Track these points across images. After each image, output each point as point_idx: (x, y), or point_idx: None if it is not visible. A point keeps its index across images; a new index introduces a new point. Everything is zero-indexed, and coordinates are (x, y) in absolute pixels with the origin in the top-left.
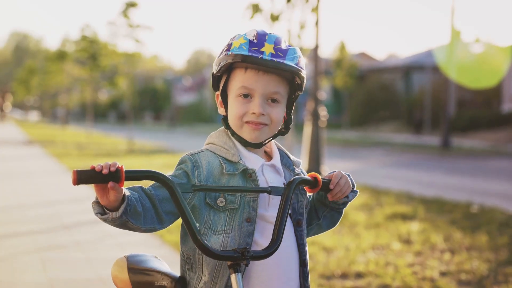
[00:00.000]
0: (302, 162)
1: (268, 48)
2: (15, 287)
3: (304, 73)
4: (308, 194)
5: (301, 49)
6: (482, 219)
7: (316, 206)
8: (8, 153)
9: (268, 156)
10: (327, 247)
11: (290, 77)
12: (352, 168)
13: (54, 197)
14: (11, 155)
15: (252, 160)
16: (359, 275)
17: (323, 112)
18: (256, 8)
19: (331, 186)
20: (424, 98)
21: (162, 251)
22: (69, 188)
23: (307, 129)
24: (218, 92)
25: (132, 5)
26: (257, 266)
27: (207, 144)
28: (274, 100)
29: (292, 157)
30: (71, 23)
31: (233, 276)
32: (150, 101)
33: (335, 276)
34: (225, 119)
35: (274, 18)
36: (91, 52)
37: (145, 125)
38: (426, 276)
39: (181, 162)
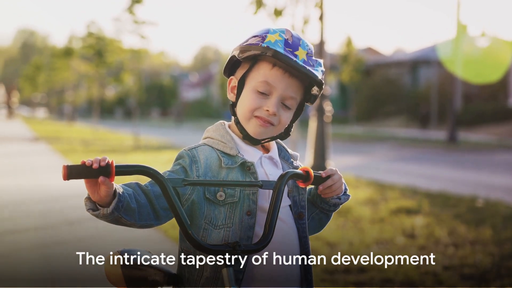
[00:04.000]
0: (307, 158)
1: (301, 54)
2: (17, 282)
3: (323, 87)
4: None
5: None
6: (487, 213)
7: (306, 206)
8: (14, 149)
9: (266, 149)
10: (331, 241)
11: (309, 86)
12: (358, 163)
13: (58, 192)
14: (17, 152)
15: (250, 153)
16: (362, 270)
17: (328, 107)
18: (259, 3)
19: (323, 175)
20: (431, 93)
21: (165, 246)
22: (73, 184)
23: (312, 124)
24: (233, 77)
25: (138, 1)
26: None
27: (205, 138)
28: (287, 105)
29: (290, 150)
30: (78, 19)
31: (224, 271)
32: (157, 97)
33: (338, 270)
34: (233, 105)
35: (278, 13)
36: (97, 48)
37: (152, 121)
38: (429, 270)
39: (179, 157)
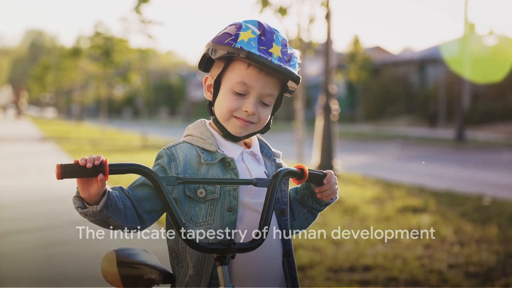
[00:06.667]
0: (314, 157)
1: (276, 50)
2: (22, 283)
3: (300, 80)
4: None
5: (311, 43)
6: (493, 211)
7: (293, 206)
8: (22, 149)
9: (247, 146)
10: (336, 240)
11: (285, 80)
12: (365, 162)
13: (64, 193)
14: (25, 152)
15: (231, 149)
16: (367, 268)
17: (334, 106)
18: (265, 2)
19: (325, 181)
20: (439, 91)
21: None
22: None
23: (319, 123)
24: (208, 76)
25: (144, 1)
26: (239, 256)
27: (185, 136)
28: (265, 102)
29: (272, 148)
30: (85, 19)
31: (219, 269)
32: (165, 97)
33: (343, 269)
34: (210, 104)
35: (283, 11)
36: (104, 48)
37: (160, 121)
38: (434, 268)
39: (158, 157)
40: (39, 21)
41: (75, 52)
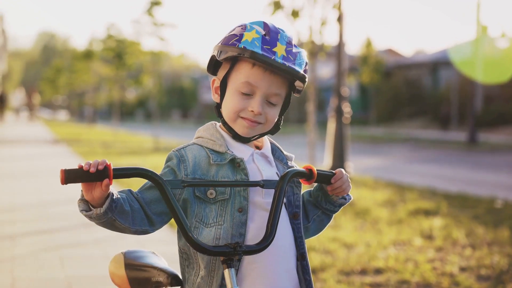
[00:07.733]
0: (326, 159)
1: (280, 49)
2: (32, 284)
3: (307, 79)
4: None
5: (323, 45)
6: (505, 214)
7: (307, 208)
8: (34, 151)
9: (259, 148)
10: (348, 243)
11: (292, 80)
12: (377, 164)
13: (75, 194)
14: (37, 154)
15: (241, 150)
16: (378, 271)
17: (346, 108)
18: (277, 5)
19: (333, 181)
20: (451, 94)
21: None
22: None
23: (331, 126)
24: (215, 78)
25: (157, 3)
26: (253, 259)
27: (195, 138)
28: (272, 102)
29: (285, 151)
30: (98, 22)
31: (226, 272)
32: (177, 99)
33: (355, 272)
34: (218, 106)
35: (295, 14)
36: (117, 51)
37: (173, 123)
38: (445, 271)
39: (168, 159)
40: (51, 24)
41: (88, 55)
